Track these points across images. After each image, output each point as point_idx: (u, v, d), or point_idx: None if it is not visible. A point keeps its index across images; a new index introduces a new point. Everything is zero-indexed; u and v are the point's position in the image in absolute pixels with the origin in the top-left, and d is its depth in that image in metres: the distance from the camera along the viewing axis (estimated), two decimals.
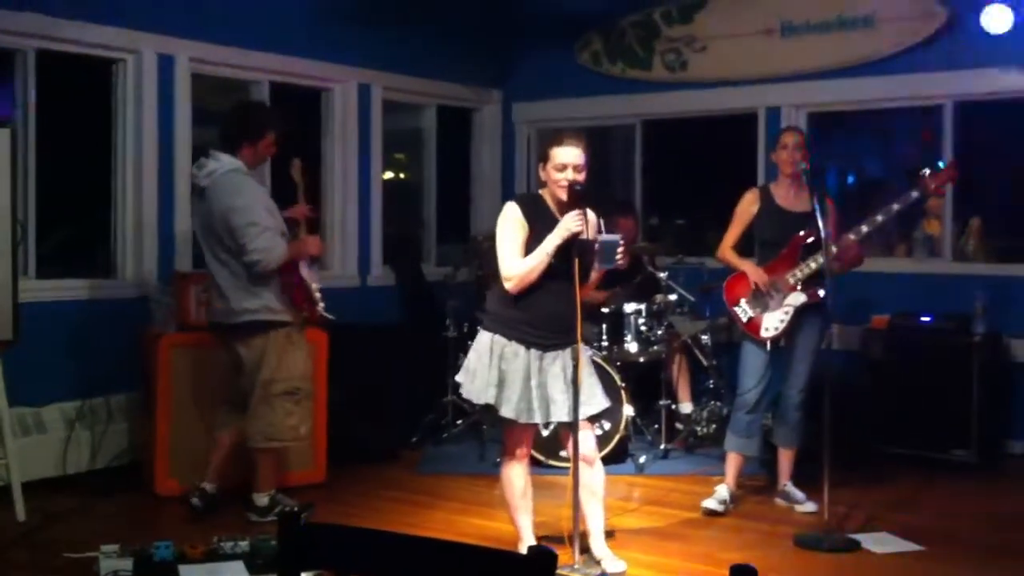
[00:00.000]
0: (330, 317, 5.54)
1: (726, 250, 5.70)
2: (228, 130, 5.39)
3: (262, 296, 5.25)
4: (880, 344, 6.84)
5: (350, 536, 2.03)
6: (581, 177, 4.43)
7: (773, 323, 5.51)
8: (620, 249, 4.39)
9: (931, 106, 7.31)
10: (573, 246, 4.34)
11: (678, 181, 8.49)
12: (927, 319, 6.76)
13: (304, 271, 5.35)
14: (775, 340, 5.53)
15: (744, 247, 5.75)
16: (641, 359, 6.86)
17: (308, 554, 2.01)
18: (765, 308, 5.54)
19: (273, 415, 5.32)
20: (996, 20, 6.65)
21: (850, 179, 8.63)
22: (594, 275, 4.59)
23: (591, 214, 4.45)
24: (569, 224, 4.32)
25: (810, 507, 5.58)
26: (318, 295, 5.42)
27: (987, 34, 6.71)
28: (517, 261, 4.43)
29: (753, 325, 5.56)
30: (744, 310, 5.58)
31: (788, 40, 7.66)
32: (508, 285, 4.44)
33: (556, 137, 4.55)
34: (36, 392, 5.99)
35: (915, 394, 6.61)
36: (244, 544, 4.56)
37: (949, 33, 7.07)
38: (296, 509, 5.34)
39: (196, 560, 4.47)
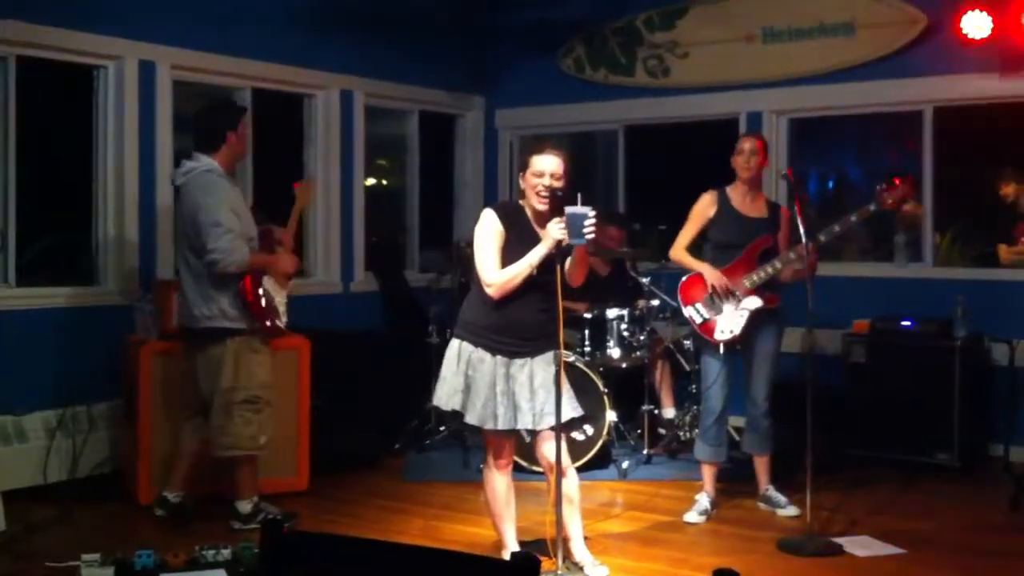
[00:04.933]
0: (285, 331, 5.48)
1: (680, 251, 5.70)
2: (208, 124, 5.38)
3: (218, 302, 5.23)
4: (861, 348, 6.85)
5: (333, 544, 2.03)
6: (559, 184, 4.44)
7: (728, 326, 5.52)
8: (588, 223, 4.24)
9: (911, 112, 7.35)
10: (556, 256, 4.34)
11: (660, 186, 8.50)
12: (908, 323, 6.78)
13: (268, 283, 5.33)
14: (730, 343, 5.55)
15: (692, 249, 5.75)
16: (624, 364, 6.87)
17: (290, 562, 2.01)
18: (720, 311, 5.55)
19: (232, 424, 5.30)
20: (975, 26, 6.69)
21: (830, 185, 8.67)
22: (576, 270, 4.54)
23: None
24: (555, 234, 4.32)
25: (792, 511, 5.60)
26: (282, 308, 5.41)
27: (966, 40, 6.75)
28: (499, 269, 4.45)
29: (707, 328, 5.57)
30: (699, 312, 5.59)
31: (769, 46, 7.69)
32: (490, 291, 4.47)
33: (538, 146, 4.60)
34: (17, 400, 5.95)
35: (896, 398, 6.63)
36: (226, 552, 4.54)
37: (929, 39, 7.11)
38: (279, 518, 5.33)
39: (178, 569, 4.45)
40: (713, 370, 5.59)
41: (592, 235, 4.27)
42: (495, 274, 4.45)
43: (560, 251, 4.34)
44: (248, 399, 5.32)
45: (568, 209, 4.28)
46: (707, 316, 5.56)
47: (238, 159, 5.48)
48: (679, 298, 5.68)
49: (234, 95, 7.26)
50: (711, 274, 5.55)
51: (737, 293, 5.51)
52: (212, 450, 5.37)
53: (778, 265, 5.45)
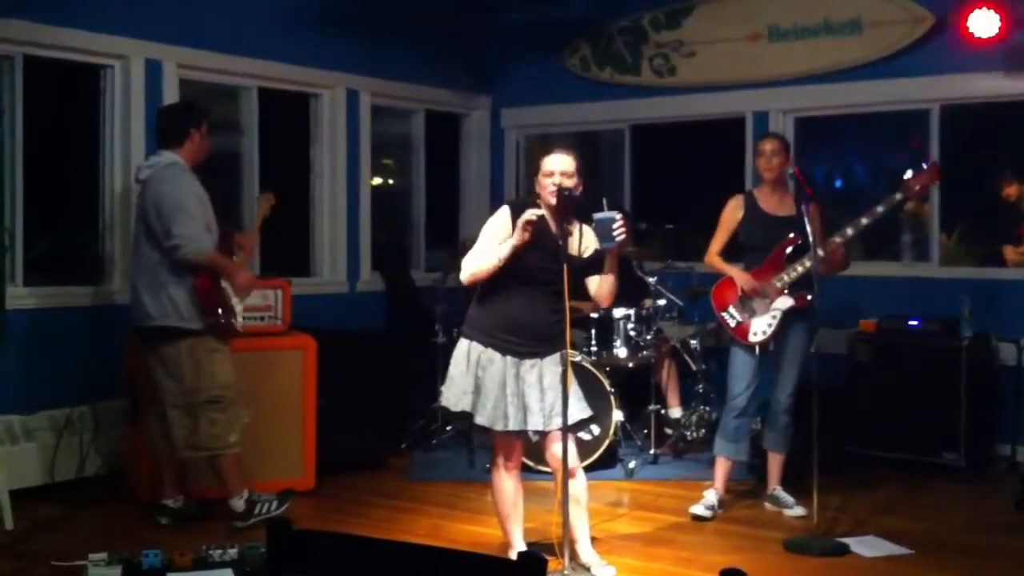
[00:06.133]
0: (241, 332, 5.46)
1: (713, 256, 5.74)
2: (174, 121, 5.42)
3: (172, 299, 5.19)
4: (868, 348, 6.84)
5: (339, 543, 2.03)
6: (570, 183, 4.45)
7: (761, 327, 5.54)
8: (617, 226, 4.29)
9: (918, 111, 7.33)
10: (561, 254, 4.34)
11: (667, 186, 8.50)
12: (915, 323, 6.76)
13: (226, 285, 5.32)
14: (763, 344, 5.56)
15: (731, 252, 5.77)
16: (630, 364, 6.86)
17: (297, 561, 2.01)
18: (753, 313, 5.56)
19: (196, 425, 5.28)
20: (982, 25, 6.67)
21: (837, 183, 8.66)
22: (607, 276, 4.53)
23: (586, 229, 4.46)
24: (516, 236, 4.34)
25: (799, 511, 5.60)
26: (238, 308, 5.39)
27: (973, 39, 6.73)
28: (476, 256, 4.50)
29: (741, 330, 5.58)
30: (732, 315, 5.60)
31: (775, 45, 7.68)
32: (461, 275, 4.53)
33: (548, 147, 4.65)
34: (24, 400, 5.96)
35: (903, 397, 6.62)
36: (233, 552, 4.54)
37: (935, 38, 7.09)
38: (275, 503, 5.35)
39: (185, 568, 4.45)
40: (743, 368, 5.59)
41: (623, 236, 4.31)
42: (469, 259, 4.50)
43: (564, 255, 4.34)
44: (211, 399, 5.28)
45: (596, 216, 4.35)
46: (740, 319, 5.57)
47: (199, 158, 5.45)
48: (712, 303, 5.69)
49: (240, 94, 7.27)
50: (740, 277, 5.57)
51: (768, 294, 5.51)
52: (179, 452, 5.35)
53: (807, 263, 5.43)
